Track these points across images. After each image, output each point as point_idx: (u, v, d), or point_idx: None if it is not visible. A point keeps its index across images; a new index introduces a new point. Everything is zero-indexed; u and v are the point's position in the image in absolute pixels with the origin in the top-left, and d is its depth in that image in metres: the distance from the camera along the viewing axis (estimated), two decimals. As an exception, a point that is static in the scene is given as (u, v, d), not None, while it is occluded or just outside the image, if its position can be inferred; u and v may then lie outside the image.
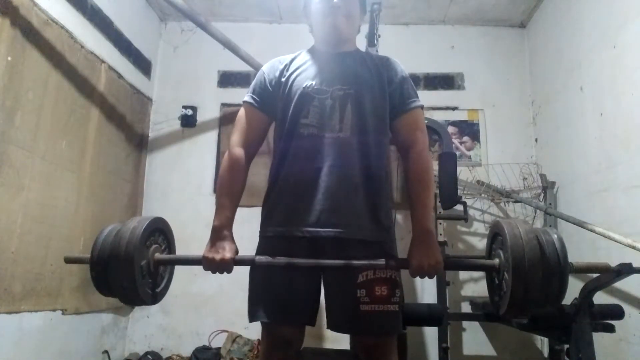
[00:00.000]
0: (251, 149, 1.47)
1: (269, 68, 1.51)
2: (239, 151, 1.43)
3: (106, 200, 2.88)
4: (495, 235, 1.31)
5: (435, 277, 2.78)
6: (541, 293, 1.15)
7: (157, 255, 1.35)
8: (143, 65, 3.41)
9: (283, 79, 1.45)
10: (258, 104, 1.47)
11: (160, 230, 1.41)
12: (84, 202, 2.59)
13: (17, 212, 2.10)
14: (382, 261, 1.27)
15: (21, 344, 2.15)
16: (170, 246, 1.46)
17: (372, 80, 1.43)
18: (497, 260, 1.26)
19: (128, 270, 1.23)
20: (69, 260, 1.45)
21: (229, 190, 1.41)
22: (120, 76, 3.04)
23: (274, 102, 1.46)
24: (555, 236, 1.23)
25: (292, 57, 1.52)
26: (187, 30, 3.69)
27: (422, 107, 1.47)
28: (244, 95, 1.53)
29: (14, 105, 2.08)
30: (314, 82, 1.41)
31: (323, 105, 1.38)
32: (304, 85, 1.40)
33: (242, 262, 1.33)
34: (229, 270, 1.32)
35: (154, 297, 1.37)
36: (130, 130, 3.20)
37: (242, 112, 1.50)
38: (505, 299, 1.18)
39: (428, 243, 1.30)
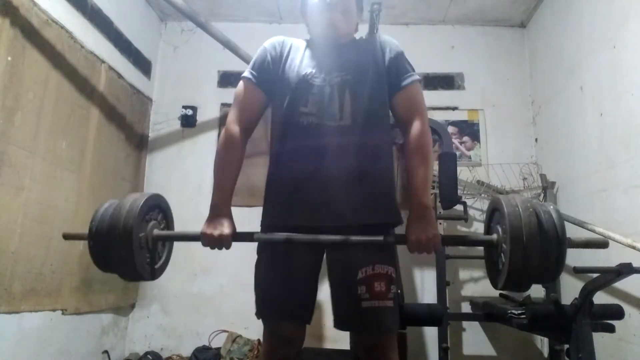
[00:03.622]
0: (248, 126, 1.45)
1: (271, 45, 1.48)
2: (235, 128, 1.41)
3: (106, 200, 2.87)
4: (494, 211, 1.31)
5: (436, 277, 2.82)
6: (540, 264, 1.14)
7: (156, 231, 1.35)
8: (143, 65, 3.41)
9: (283, 60, 1.44)
10: (257, 80, 1.45)
11: (159, 207, 1.42)
12: (84, 202, 2.59)
13: (17, 212, 2.10)
14: (380, 238, 1.27)
15: (21, 344, 2.15)
16: (168, 224, 1.46)
17: (369, 65, 1.41)
18: (495, 235, 1.26)
19: (126, 241, 1.23)
20: (67, 237, 1.45)
21: (227, 167, 1.40)
22: (120, 76, 3.04)
23: (273, 81, 1.44)
24: (552, 208, 1.23)
25: (293, 41, 1.50)
26: (187, 30, 3.69)
27: (419, 81, 1.46)
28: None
29: (14, 105, 2.08)
30: (313, 71, 1.39)
31: (322, 93, 1.36)
32: (303, 73, 1.39)
33: (240, 237, 1.33)
34: (228, 246, 1.33)
35: (152, 273, 1.36)
36: (130, 130, 3.20)
37: (240, 87, 1.47)
38: (504, 271, 1.17)
39: (425, 217, 1.29)
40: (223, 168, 1.41)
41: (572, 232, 2.70)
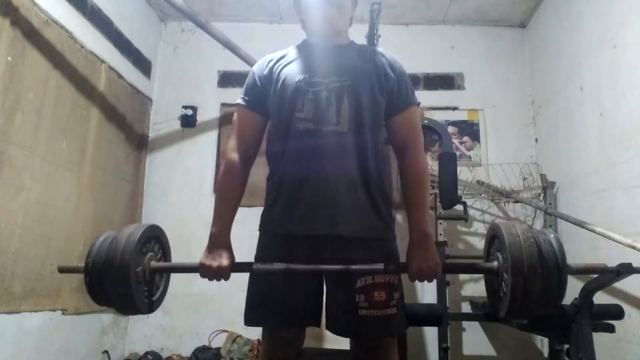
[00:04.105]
0: (249, 152, 1.44)
1: (258, 66, 1.48)
2: (235, 156, 1.41)
3: (106, 200, 2.88)
4: (493, 237, 1.31)
5: (435, 277, 2.81)
6: (541, 294, 1.15)
7: (153, 263, 1.33)
8: (143, 65, 3.41)
9: (274, 75, 1.42)
10: (250, 104, 1.44)
11: (155, 238, 1.40)
12: (84, 202, 2.59)
13: (17, 212, 2.10)
14: (380, 266, 1.26)
15: (21, 344, 2.15)
16: (165, 255, 1.45)
17: (369, 73, 1.40)
18: (495, 263, 1.25)
19: (123, 277, 1.22)
20: (63, 270, 1.41)
21: (226, 197, 1.39)
22: (120, 76, 3.04)
23: (266, 100, 1.44)
24: (553, 236, 1.23)
25: (283, 53, 1.49)
26: (187, 30, 3.69)
27: (418, 104, 1.45)
28: (243, 95, 1.52)
29: (14, 105, 2.09)
30: (307, 75, 1.38)
31: (318, 98, 1.34)
32: (297, 79, 1.37)
33: (239, 269, 1.32)
34: (226, 278, 1.32)
35: (150, 306, 1.36)
36: (130, 130, 3.20)
37: (235, 115, 1.47)
38: (505, 301, 1.18)
39: (426, 246, 1.29)
40: (223, 197, 1.40)
41: (572, 232, 2.71)
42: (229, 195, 1.39)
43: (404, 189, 1.39)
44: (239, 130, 1.44)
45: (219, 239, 1.34)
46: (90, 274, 1.28)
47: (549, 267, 1.16)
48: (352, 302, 1.29)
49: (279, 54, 1.49)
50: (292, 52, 1.48)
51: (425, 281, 1.28)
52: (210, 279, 1.32)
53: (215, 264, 1.29)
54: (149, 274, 1.32)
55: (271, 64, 1.45)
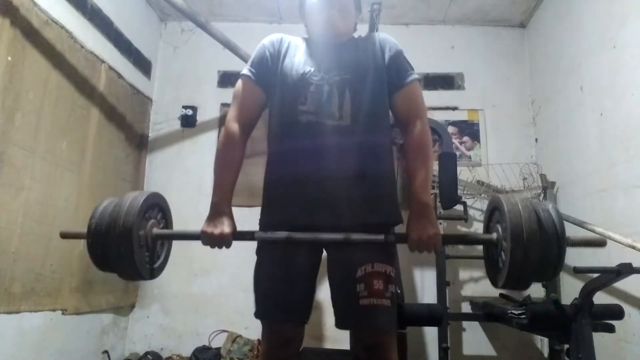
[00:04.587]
0: (248, 124, 1.44)
1: (270, 42, 1.47)
2: (235, 126, 1.41)
3: (106, 198, 2.87)
4: (493, 210, 1.31)
5: (436, 277, 2.82)
6: (540, 261, 1.14)
7: (155, 230, 1.34)
8: (143, 65, 3.41)
9: (282, 58, 1.43)
10: (256, 77, 1.44)
11: (158, 206, 1.41)
12: (84, 202, 2.59)
13: (17, 212, 2.10)
14: (380, 236, 1.27)
15: (21, 344, 2.15)
16: (167, 223, 1.45)
17: (369, 65, 1.41)
18: (495, 234, 1.26)
19: (126, 238, 1.22)
20: (65, 236, 1.43)
21: (227, 166, 1.40)
22: (120, 76, 3.04)
23: (271, 79, 1.43)
24: (551, 206, 1.23)
25: (292, 39, 1.49)
26: (187, 30, 3.69)
27: (418, 80, 1.46)
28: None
29: (14, 105, 2.08)
30: (312, 69, 1.39)
31: (320, 91, 1.35)
32: (302, 71, 1.38)
33: (240, 236, 1.33)
34: (228, 245, 1.33)
35: (151, 272, 1.35)
36: (130, 130, 3.20)
37: (239, 85, 1.46)
38: (505, 268, 1.17)
39: (426, 216, 1.29)
40: (223, 167, 1.40)
41: (572, 232, 2.70)
42: (228, 165, 1.40)
43: (407, 160, 1.39)
44: (242, 101, 1.44)
45: (220, 208, 1.35)
46: (93, 235, 1.28)
47: (548, 234, 1.16)
48: (354, 293, 1.30)
49: (288, 38, 1.49)
50: (298, 42, 1.49)
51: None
52: (212, 246, 1.33)
53: (217, 231, 1.30)
54: (150, 241, 1.33)
55: (283, 46, 1.46)
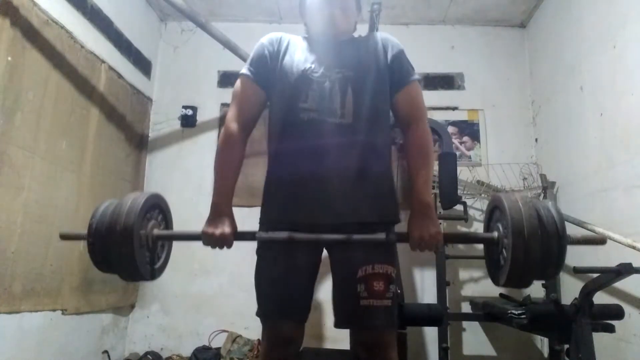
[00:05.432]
0: (248, 124, 1.44)
1: (269, 40, 1.47)
2: (235, 126, 1.40)
3: (106, 199, 2.87)
4: (494, 209, 1.32)
5: (436, 277, 2.82)
6: (541, 259, 1.15)
7: (156, 231, 1.34)
8: (143, 65, 3.41)
9: (281, 56, 1.42)
10: (255, 76, 1.43)
11: (159, 207, 1.41)
12: (84, 202, 2.59)
13: (17, 212, 2.10)
14: (382, 235, 1.28)
15: (21, 344, 2.15)
16: (167, 224, 1.45)
17: (371, 63, 1.41)
18: (496, 233, 1.26)
19: (127, 239, 1.22)
20: (65, 237, 1.42)
21: (227, 166, 1.40)
22: (120, 76, 3.04)
23: (271, 78, 1.43)
24: (551, 205, 1.24)
25: (292, 37, 1.49)
26: (187, 30, 3.69)
27: (419, 80, 1.47)
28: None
29: (14, 105, 2.08)
30: (313, 66, 1.38)
31: (322, 88, 1.35)
32: (302, 68, 1.38)
33: (241, 236, 1.33)
34: (229, 245, 1.32)
35: (152, 273, 1.35)
36: (130, 130, 3.20)
37: (238, 85, 1.45)
38: (506, 266, 1.17)
39: (427, 215, 1.30)
40: (223, 167, 1.40)
41: (572, 232, 2.70)
42: (229, 165, 1.40)
43: (408, 160, 1.39)
44: (241, 101, 1.44)
45: (221, 208, 1.35)
46: (94, 236, 1.27)
47: (549, 232, 1.17)
48: (354, 293, 1.30)
49: (288, 36, 1.49)
50: (298, 41, 1.48)
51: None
52: (213, 246, 1.33)
53: (217, 231, 1.30)
54: (151, 241, 1.32)
55: (281, 43, 1.45)
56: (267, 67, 1.43)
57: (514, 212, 1.16)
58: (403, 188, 2.85)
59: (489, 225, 1.35)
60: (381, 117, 1.41)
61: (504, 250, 1.21)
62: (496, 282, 1.28)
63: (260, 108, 1.47)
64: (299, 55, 1.42)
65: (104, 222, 1.26)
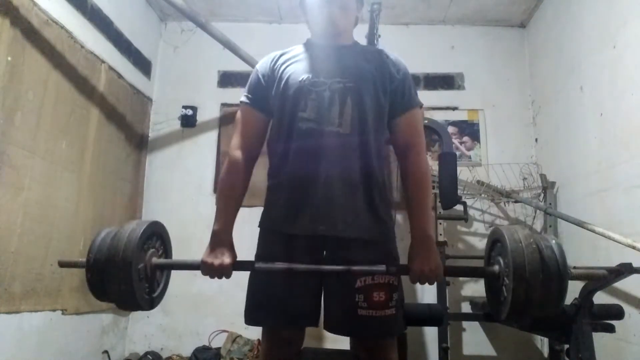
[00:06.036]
0: (252, 151, 1.44)
1: (262, 65, 1.48)
2: (238, 154, 1.41)
3: (106, 200, 2.88)
4: (495, 242, 1.32)
5: (436, 277, 2.81)
6: (541, 298, 1.16)
7: (155, 260, 1.33)
8: (143, 65, 3.41)
9: (277, 73, 1.42)
10: (253, 102, 1.45)
11: (157, 235, 1.39)
12: (84, 202, 2.59)
13: (17, 212, 2.10)
14: (382, 267, 1.26)
15: (21, 344, 2.15)
16: (167, 251, 1.45)
17: (373, 75, 1.40)
18: (497, 267, 1.26)
19: (125, 274, 1.21)
20: (63, 265, 1.41)
21: (229, 195, 1.39)
22: (120, 76, 3.04)
23: (270, 99, 1.44)
24: (554, 242, 1.25)
25: (286, 51, 1.49)
26: (187, 30, 3.69)
27: (421, 106, 1.46)
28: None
29: (14, 105, 2.08)
30: (310, 75, 1.38)
31: (321, 98, 1.34)
32: (300, 79, 1.37)
33: (241, 267, 1.32)
34: (228, 276, 1.32)
35: (151, 302, 1.35)
36: (130, 130, 3.20)
37: (239, 114, 1.47)
38: (506, 304, 1.19)
39: (428, 248, 1.30)
40: (225, 194, 1.40)
41: (572, 232, 2.71)
42: (231, 193, 1.40)
43: (406, 190, 1.40)
44: (243, 129, 1.44)
45: (221, 237, 1.34)
46: (92, 269, 1.27)
47: (550, 273, 1.17)
48: (351, 301, 1.30)
49: (282, 52, 1.49)
50: (296, 51, 1.48)
51: (427, 284, 1.28)
52: (212, 276, 1.32)
53: (217, 261, 1.30)
54: (150, 271, 1.32)
55: (275, 62, 1.46)
56: (264, 89, 1.44)
57: (516, 254, 1.17)
58: (399, 188, 2.84)
59: (489, 257, 1.35)
60: (379, 129, 1.40)
61: (504, 288, 1.22)
62: (496, 316, 1.30)
63: (263, 132, 1.48)
64: (299, 65, 1.42)
65: (102, 255, 1.25)
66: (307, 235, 1.31)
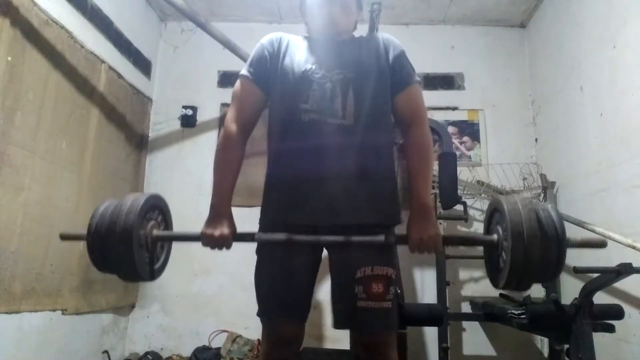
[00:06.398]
0: (247, 125, 1.44)
1: (268, 41, 1.47)
2: (234, 127, 1.41)
3: (106, 200, 2.87)
4: (493, 211, 1.32)
5: (436, 277, 2.82)
6: (540, 262, 1.15)
7: (156, 232, 1.34)
8: (143, 65, 3.41)
9: (281, 57, 1.42)
10: (255, 77, 1.44)
11: (158, 208, 1.40)
12: (84, 202, 2.59)
13: (17, 212, 2.10)
14: (381, 237, 1.27)
15: (21, 344, 2.15)
16: (167, 225, 1.45)
17: (372, 64, 1.41)
18: (495, 236, 1.26)
19: (126, 239, 1.22)
20: (65, 237, 1.42)
21: (226, 167, 1.40)
22: (120, 76, 3.04)
23: (271, 79, 1.43)
24: (551, 208, 1.24)
25: (292, 38, 1.49)
26: (187, 30, 3.69)
27: (419, 82, 1.47)
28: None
29: (14, 105, 2.08)
30: (313, 67, 1.38)
31: (323, 89, 1.35)
32: (303, 69, 1.38)
33: (241, 237, 1.33)
34: (228, 246, 1.33)
35: (151, 274, 1.35)
36: (130, 130, 3.20)
37: (237, 86, 1.46)
38: (505, 269, 1.18)
39: (427, 217, 1.30)
40: (222, 168, 1.40)
41: (572, 232, 2.70)
42: (228, 166, 1.40)
43: (408, 162, 1.39)
44: (241, 102, 1.44)
45: (220, 209, 1.35)
46: (93, 235, 1.27)
47: (549, 235, 1.16)
48: (352, 293, 1.30)
49: (288, 36, 1.48)
50: (298, 41, 1.48)
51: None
52: (212, 247, 1.33)
53: (216, 232, 1.30)
54: (150, 242, 1.32)
55: (281, 45, 1.45)
56: (267, 68, 1.43)
57: (514, 215, 1.17)
58: (404, 188, 2.84)
59: (489, 228, 1.35)
60: (382, 118, 1.40)
61: (503, 253, 1.22)
62: (495, 284, 1.28)
63: (259, 109, 1.47)
64: (300, 56, 1.42)
65: (104, 222, 1.26)
66: (307, 226, 1.31)
